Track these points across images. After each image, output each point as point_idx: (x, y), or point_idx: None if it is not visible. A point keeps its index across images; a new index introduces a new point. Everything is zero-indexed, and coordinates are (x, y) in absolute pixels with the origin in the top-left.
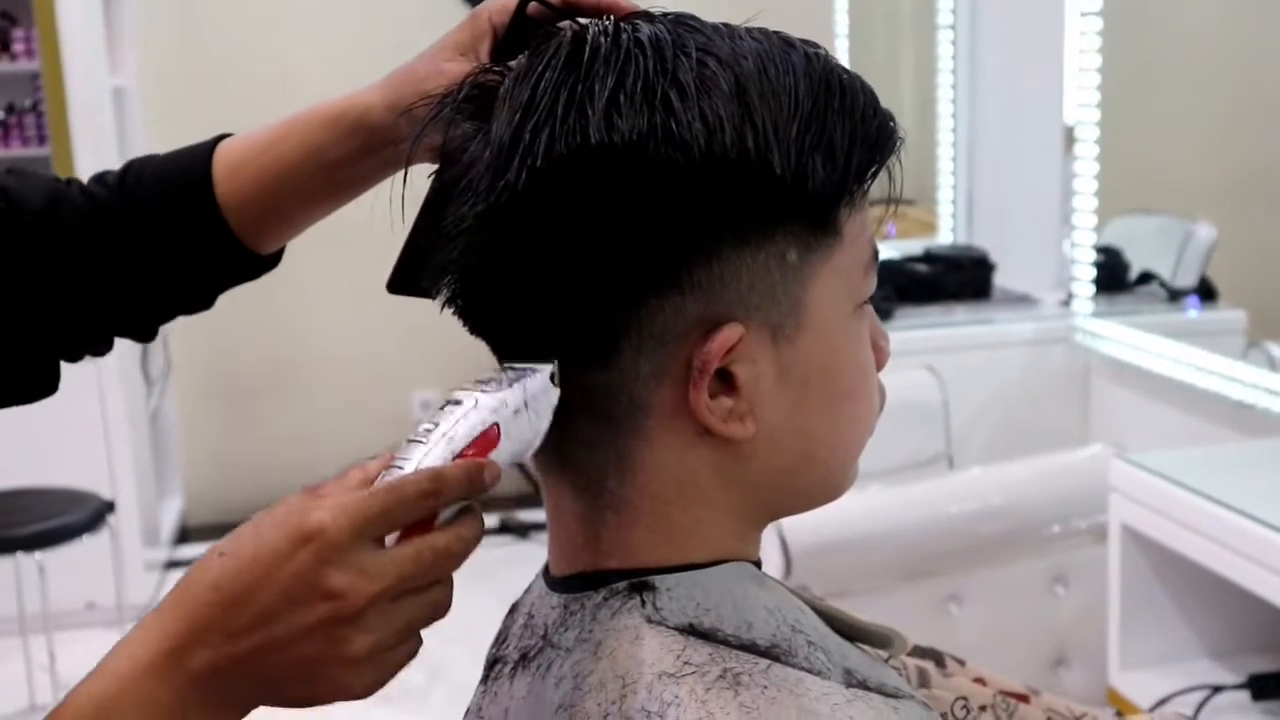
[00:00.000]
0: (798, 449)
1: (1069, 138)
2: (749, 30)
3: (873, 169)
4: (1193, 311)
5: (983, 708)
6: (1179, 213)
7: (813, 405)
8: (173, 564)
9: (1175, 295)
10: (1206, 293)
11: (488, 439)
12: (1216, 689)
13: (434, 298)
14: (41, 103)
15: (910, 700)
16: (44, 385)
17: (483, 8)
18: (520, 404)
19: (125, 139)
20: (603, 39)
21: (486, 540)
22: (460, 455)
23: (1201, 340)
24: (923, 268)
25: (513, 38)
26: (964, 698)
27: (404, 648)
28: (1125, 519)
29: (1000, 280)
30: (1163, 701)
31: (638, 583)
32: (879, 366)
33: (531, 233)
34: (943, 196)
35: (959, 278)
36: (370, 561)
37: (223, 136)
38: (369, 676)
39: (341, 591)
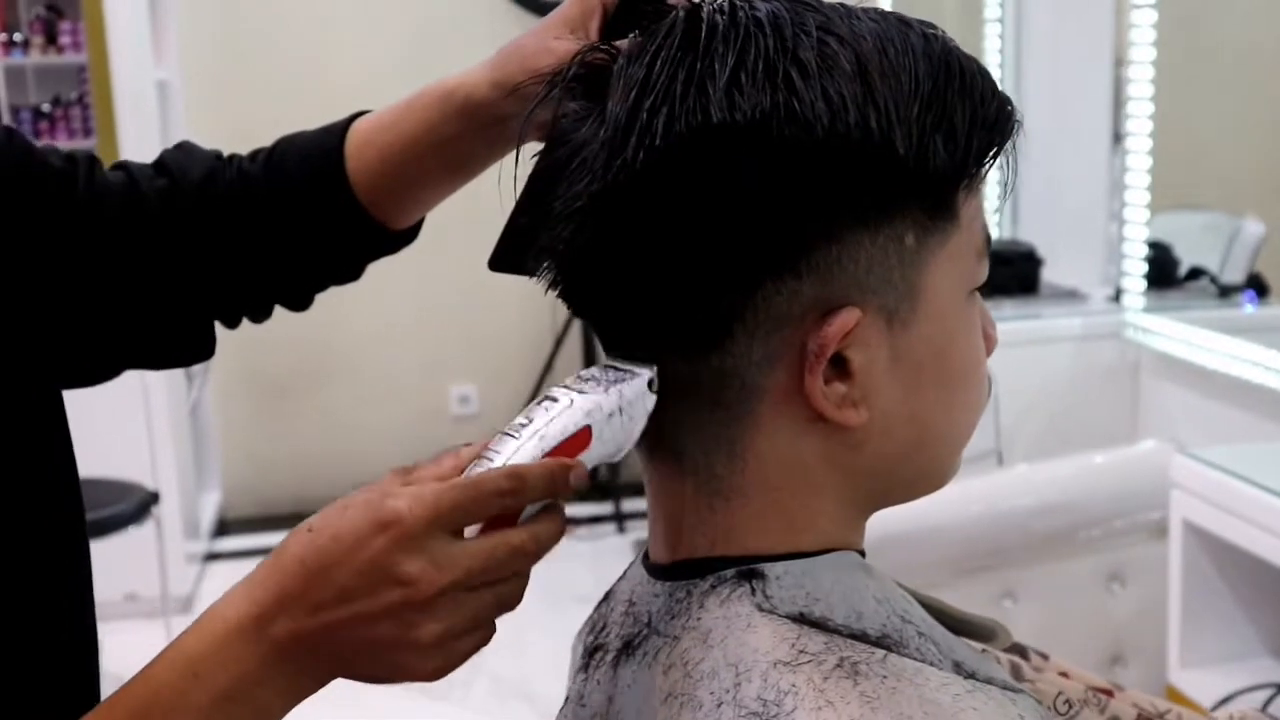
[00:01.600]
0: (909, 436)
1: (1118, 131)
2: (864, 10)
3: (992, 151)
4: (1249, 306)
5: (1083, 702)
6: (1227, 208)
7: (925, 392)
8: (212, 556)
9: (1225, 291)
10: (1257, 288)
11: (579, 440)
12: (1279, 689)
13: (536, 276)
14: (88, 95)
15: (1024, 694)
16: (201, 348)
17: None
18: (615, 408)
19: (168, 130)
20: (719, 17)
21: None
22: (550, 454)
23: (1254, 336)
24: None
25: (622, 15)
26: (1063, 692)
27: (473, 636)
28: (1186, 514)
29: (1048, 275)
30: (1225, 700)
31: (746, 570)
32: (988, 354)
33: (648, 213)
34: (989, 190)
35: (1006, 272)
36: (443, 552)
37: (361, 113)
38: (436, 661)
39: (413, 579)
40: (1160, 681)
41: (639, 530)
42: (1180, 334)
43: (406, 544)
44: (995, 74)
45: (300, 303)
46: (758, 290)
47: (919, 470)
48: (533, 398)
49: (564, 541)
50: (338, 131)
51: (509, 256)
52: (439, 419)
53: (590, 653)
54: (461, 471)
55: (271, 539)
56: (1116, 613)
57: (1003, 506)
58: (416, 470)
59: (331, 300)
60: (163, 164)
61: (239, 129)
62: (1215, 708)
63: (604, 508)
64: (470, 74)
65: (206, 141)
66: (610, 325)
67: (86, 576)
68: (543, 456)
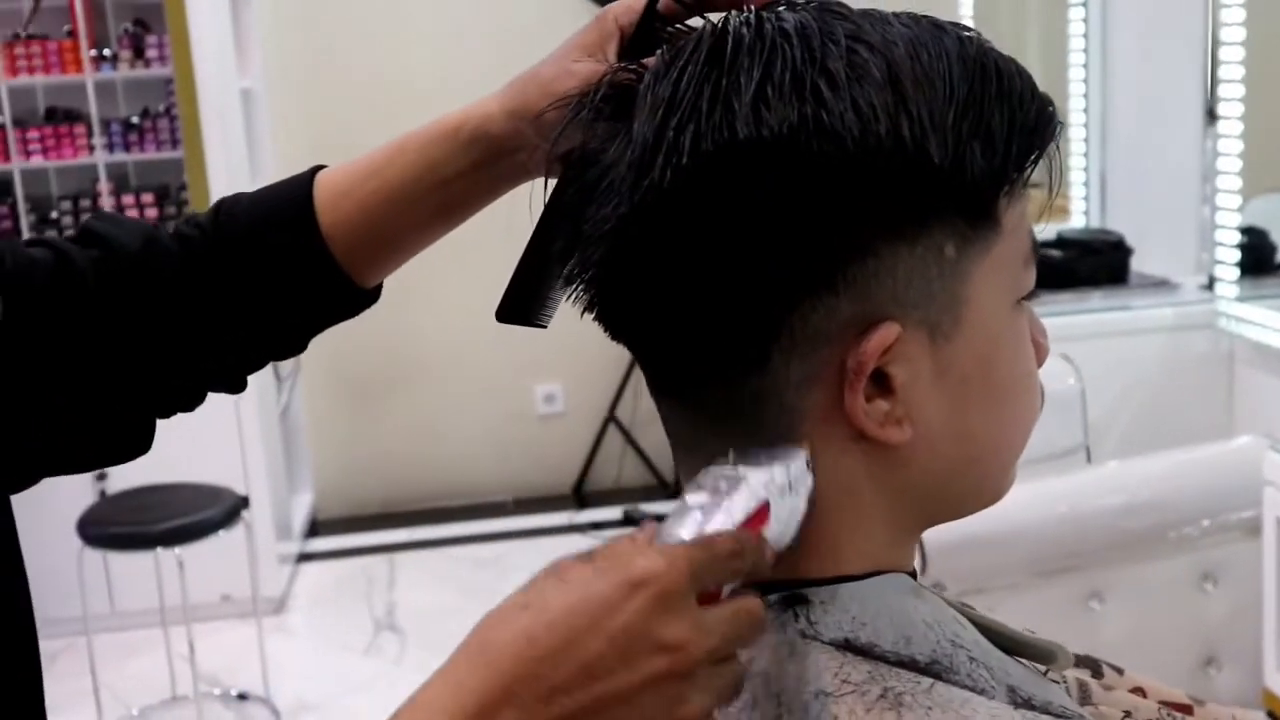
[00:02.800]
0: (957, 453)
1: (1210, 114)
2: (897, 15)
3: (1033, 156)
4: None
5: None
6: None
7: (972, 406)
8: (304, 556)
9: None
10: None
11: (761, 516)
12: None
13: (545, 327)
14: (174, 106)
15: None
16: (139, 443)
17: (609, 9)
18: (786, 484)
19: (253, 140)
20: (745, 30)
21: (612, 533)
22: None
23: None
24: (1055, 253)
25: (642, 36)
26: (1131, 713)
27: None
28: None
29: (1137, 264)
30: None
31: (790, 595)
32: (1039, 363)
33: (678, 234)
34: (1074, 179)
35: (1094, 262)
36: (703, 615)
37: (318, 168)
38: None
39: (681, 643)
40: (1256, 685)
41: None
42: (1277, 323)
43: (669, 605)
44: (1079, 59)
45: (237, 385)
46: (794, 309)
47: (969, 487)
48: (619, 395)
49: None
50: (302, 185)
51: (517, 308)
52: (525, 418)
53: None
54: None
55: (362, 539)
56: (1209, 614)
57: (1089, 506)
58: (599, 551)
59: (415, 302)
60: (92, 234)
61: (323, 135)
62: None
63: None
64: (479, 106)
65: (294, 148)
66: (647, 349)
67: (23, 596)
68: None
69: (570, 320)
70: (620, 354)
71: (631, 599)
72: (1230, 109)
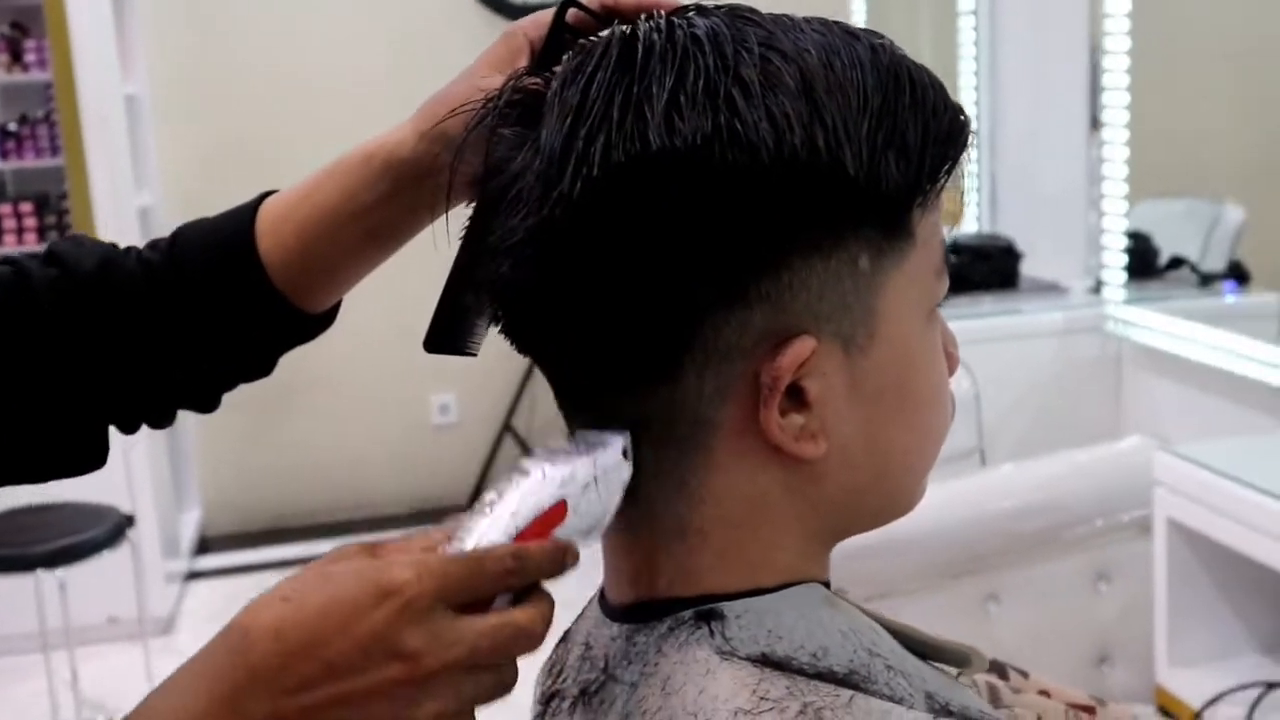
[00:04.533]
0: (871, 465)
1: (1095, 118)
2: (808, 20)
3: (947, 166)
4: (1230, 296)
5: None
6: (1205, 194)
7: (886, 419)
8: (193, 575)
9: (1206, 280)
10: (1239, 276)
11: (554, 515)
12: (1270, 686)
13: (473, 355)
14: (54, 113)
15: None
16: (93, 456)
17: (517, 24)
18: (590, 478)
19: (138, 147)
20: (656, 36)
21: None
22: (525, 529)
23: (1236, 325)
24: (948, 258)
25: (551, 49)
26: (1042, 716)
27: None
28: (1170, 513)
29: (1027, 269)
30: (1214, 700)
31: (705, 611)
32: (950, 373)
33: (588, 245)
34: (966, 185)
35: (985, 267)
36: (448, 628)
37: (269, 193)
38: None
39: (416, 653)
40: (1149, 682)
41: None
42: (1162, 325)
43: (411, 615)
44: (969, 66)
45: (208, 404)
46: (706, 321)
47: (883, 499)
48: (515, 404)
49: None
50: (246, 212)
51: (444, 337)
52: (420, 429)
53: (547, 699)
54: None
55: (254, 555)
56: (1102, 613)
57: (985, 509)
58: (385, 547)
59: None
60: (53, 254)
61: (214, 142)
62: (1204, 708)
63: None
64: (391, 134)
65: (182, 155)
66: (555, 363)
67: None
68: (517, 532)
69: None
70: (516, 363)
71: (379, 607)
72: (1115, 116)
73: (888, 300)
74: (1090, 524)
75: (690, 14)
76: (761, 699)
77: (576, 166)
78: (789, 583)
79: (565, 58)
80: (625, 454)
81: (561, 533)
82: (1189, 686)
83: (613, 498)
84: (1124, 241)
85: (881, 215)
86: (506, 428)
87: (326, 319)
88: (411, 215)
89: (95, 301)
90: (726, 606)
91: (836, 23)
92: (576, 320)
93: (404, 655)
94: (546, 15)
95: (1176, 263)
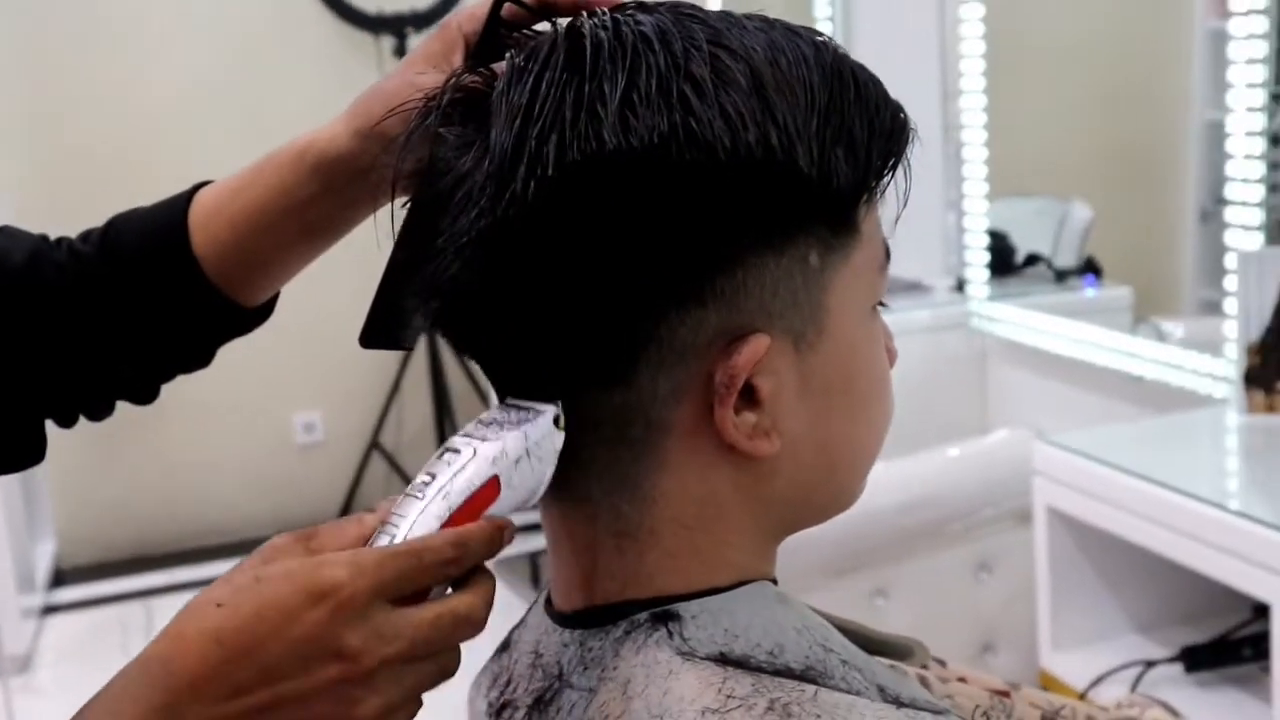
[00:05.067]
0: (820, 461)
1: (946, 122)
2: (748, 18)
3: (891, 161)
4: (1090, 290)
5: (990, 709)
6: (1055, 193)
7: (834, 414)
8: (50, 609)
9: (1061, 275)
10: (1092, 271)
11: (487, 492)
12: (1150, 664)
13: (410, 349)
14: None
15: (949, 714)
16: (30, 452)
17: (450, 18)
18: (522, 451)
19: None
20: (603, 34)
21: None
22: (458, 509)
23: (1092, 318)
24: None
25: (487, 43)
26: (979, 705)
27: (407, 709)
28: (1050, 501)
29: (892, 269)
30: (1097, 681)
31: (661, 613)
32: (889, 366)
33: (542, 246)
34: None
35: None
36: (386, 623)
37: (203, 184)
38: None
39: (355, 652)
40: (1032, 666)
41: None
42: (1023, 320)
43: (348, 615)
44: None
45: (146, 395)
46: (661, 321)
47: (831, 495)
48: (382, 420)
49: None
50: (180, 203)
51: (380, 331)
52: (284, 449)
53: (498, 711)
54: (367, 539)
55: (114, 586)
56: (986, 601)
57: (869, 506)
58: (319, 537)
59: None
60: None
61: (44, 157)
62: (1088, 689)
63: None
64: (324, 130)
65: (22, 173)
66: (502, 364)
67: None
68: (450, 514)
69: (328, 345)
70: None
71: (313, 609)
72: (973, 118)
73: (835, 296)
74: (971, 516)
75: (633, 12)
76: (729, 697)
77: (530, 166)
78: (741, 581)
79: (508, 55)
80: (557, 422)
81: (495, 510)
82: (1072, 669)
83: (546, 469)
84: (985, 240)
85: (831, 212)
86: (374, 445)
87: (264, 311)
88: (346, 211)
89: (27, 295)
90: (682, 607)
91: (776, 20)
92: (528, 322)
93: (343, 655)
94: (481, 9)
95: (1032, 260)
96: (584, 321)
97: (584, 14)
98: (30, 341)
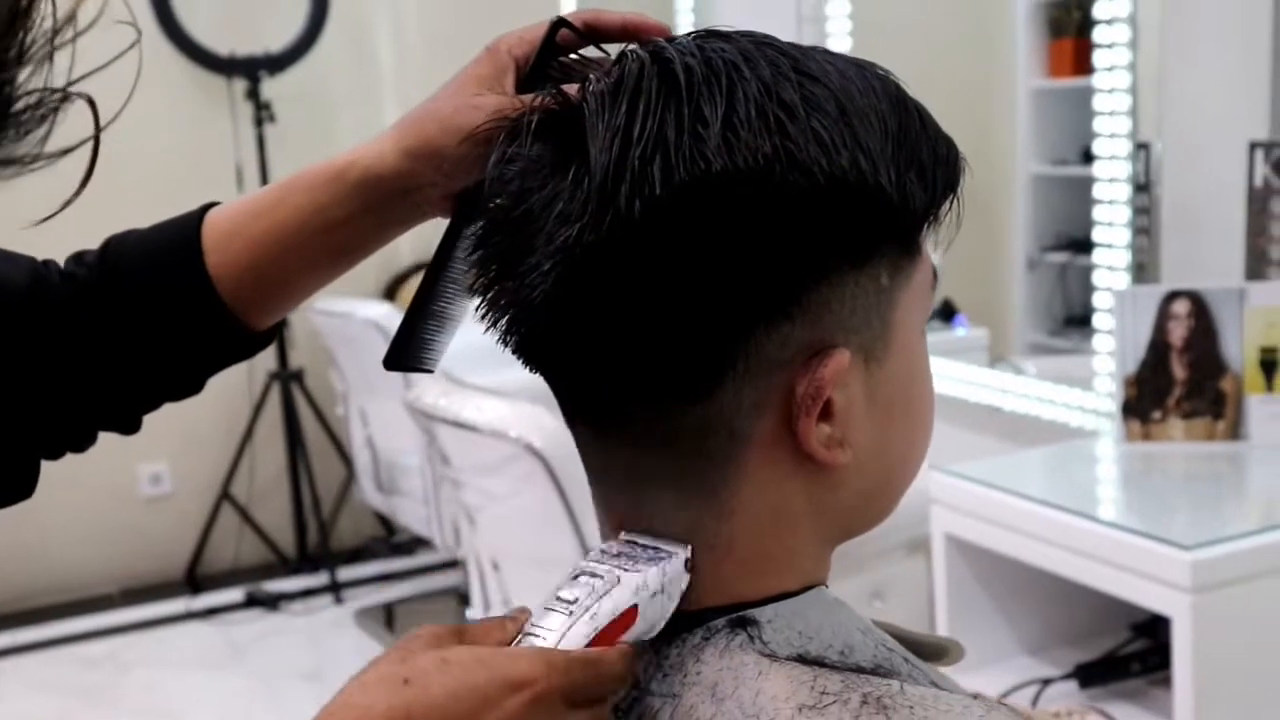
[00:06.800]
0: (880, 472)
1: None
2: (815, 49)
3: (954, 187)
4: (960, 330)
5: None
6: None
7: (894, 428)
8: None
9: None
10: (951, 313)
11: (626, 619)
12: (1046, 682)
13: (432, 371)
14: None
15: (1017, 712)
16: (21, 486)
17: (500, 41)
18: (659, 587)
19: None
20: (692, 60)
21: (233, 616)
22: (600, 632)
23: (957, 357)
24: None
25: (540, 66)
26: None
27: None
28: (947, 528)
29: None
30: (1001, 699)
31: (738, 618)
32: None
33: (641, 264)
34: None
35: None
36: None
37: (210, 205)
38: None
39: None
40: None
41: (357, 599)
42: None
43: (540, 710)
44: None
45: (131, 425)
46: (751, 336)
47: (885, 504)
48: (233, 470)
49: (274, 618)
50: (190, 224)
51: (405, 353)
52: (128, 502)
53: None
54: (509, 643)
55: None
56: None
57: None
58: (470, 634)
59: None
60: None
61: None
62: None
63: (318, 579)
64: (366, 149)
65: None
66: (578, 379)
67: None
68: (594, 634)
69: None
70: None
71: (510, 698)
72: None
73: (900, 314)
74: (866, 546)
75: (715, 39)
76: (823, 694)
77: (635, 186)
78: (807, 586)
79: (592, 79)
80: (688, 565)
81: (628, 637)
82: (971, 688)
83: (671, 605)
84: None
85: (903, 233)
86: (225, 496)
87: (267, 337)
88: (381, 230)
89: (29, 321)
90: (758, 612)
91: (839, 53)
92: (620, 338)
93: None
94: (530, 33)
95: None
96: (677, 337)
97: (626, 43)
98: (35, 366)
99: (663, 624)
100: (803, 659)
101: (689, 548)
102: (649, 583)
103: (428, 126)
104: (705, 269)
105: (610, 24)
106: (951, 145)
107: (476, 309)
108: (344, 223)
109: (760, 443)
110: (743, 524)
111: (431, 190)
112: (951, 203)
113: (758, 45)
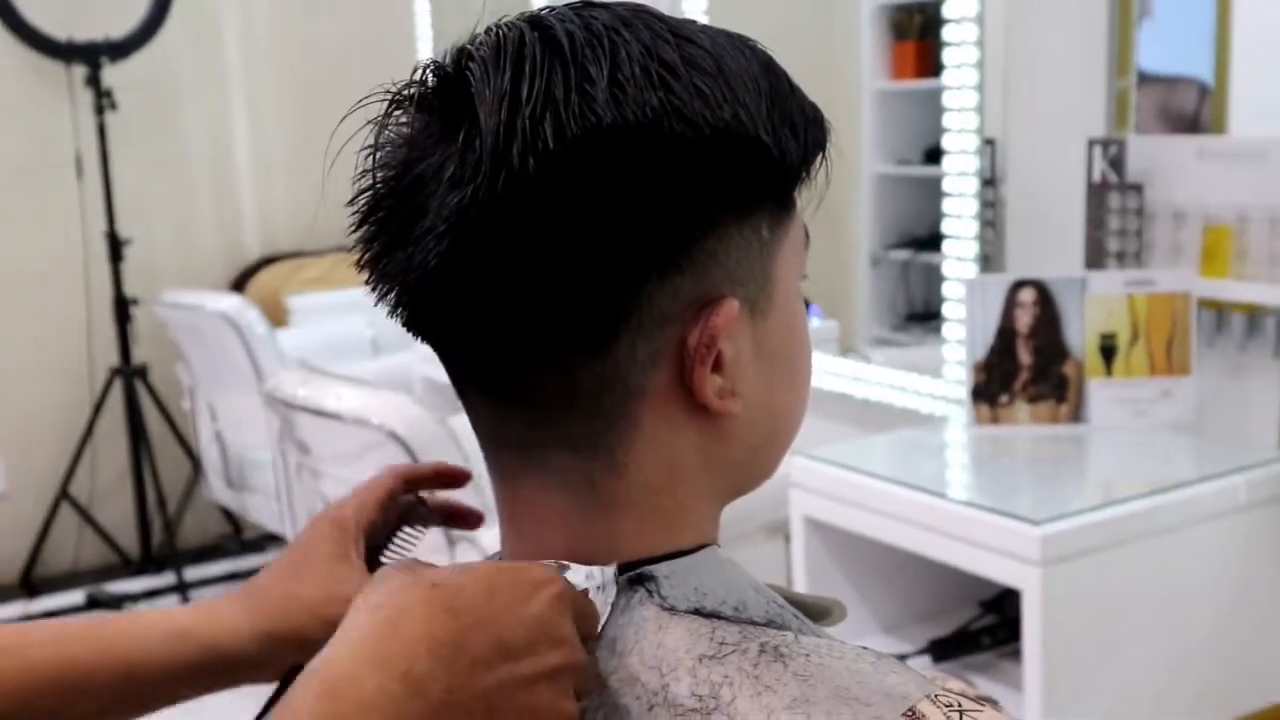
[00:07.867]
0: (767, 425)
1: None
2: (689, 20)
3: (821, 144)
4: (816, 320)
5: None
6: None
7: (779, 380)
8: None
9: None
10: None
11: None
12: (901, 658)
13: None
14: None
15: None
16: None
17: (339, 512)
18: (600, 583)
19: None
20: (572, 26)
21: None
22: None
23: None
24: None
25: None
26: None
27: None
28: (806, 511)
29: None
30: None
31: (636, 575)
32: None
33: (536, 220)
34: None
35: None
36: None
37: None
38: None
39: (572, 641)
40: None
41: (206, 599)
42: None
43: (565, 606)
44: None
45: None
46: (644, 288)
47: (769, 461)
48: (72, 469)
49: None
50: None
51: None
52: None
53: None
54: None
55: None
56: None
57: None
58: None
59: None
60: None
61: None
62: None
63: (164, 579)
64: (213, 617)
65: None
66: (469, 345)
67: None
68: None
69: (12, 392)
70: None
71: (539, 592)
72: None
73: (780, 268)
74: (730, 530)
75: (591, 8)
76: (722, 644)
77: (528, 144)
78: (699, 545)
79: (477, 44)
80: (615, 577)
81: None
82: None
83: (607, 608)
84: None
85: (780, 187)
86: (64, 495)
87: None
88: (206, 692)
89: None
90: (655, 568)
91: (709, 25)
92: (516, 298)
93: (564, 642)
94: (369, 495)
95: None
96: (571, 293)
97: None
98: None
99: (601, 623)
100: (699, 612)
101: (615, 563)
102: (594, 575)
103: (296, 615)
104: (599, 222)
105: (424, 473)
106: (817, 109)
107: (366, 282)
108: (166, 682)
109: (654, 396)
110: (637, 480)
111: (283, 668)
112: (820, 160)
113: (634, 12)
